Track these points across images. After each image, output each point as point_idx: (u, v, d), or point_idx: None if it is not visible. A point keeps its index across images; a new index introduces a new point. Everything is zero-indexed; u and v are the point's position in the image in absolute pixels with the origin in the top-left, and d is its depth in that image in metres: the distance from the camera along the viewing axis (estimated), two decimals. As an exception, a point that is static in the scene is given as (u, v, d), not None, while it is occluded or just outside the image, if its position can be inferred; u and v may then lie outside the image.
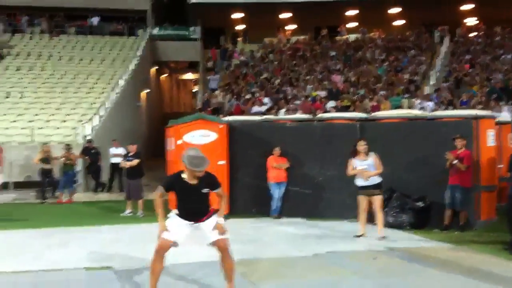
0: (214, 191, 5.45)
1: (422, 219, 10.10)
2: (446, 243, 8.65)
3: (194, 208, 5.43)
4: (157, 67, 29.95)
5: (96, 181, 16.38)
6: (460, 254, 7.84)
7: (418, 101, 16.77)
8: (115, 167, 15.93)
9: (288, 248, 8.28)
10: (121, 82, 21.84)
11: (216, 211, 5.53)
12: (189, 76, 37.36)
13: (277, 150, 11.18)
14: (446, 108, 16.05)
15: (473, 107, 14.95)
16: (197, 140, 11.35)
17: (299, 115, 13.41)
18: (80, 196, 15.34)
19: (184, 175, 5.36)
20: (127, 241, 8.81)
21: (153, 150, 25.44)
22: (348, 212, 10.96)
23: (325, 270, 6.86)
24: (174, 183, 5.43)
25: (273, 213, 11.28)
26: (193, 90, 44.96)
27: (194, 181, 5.32)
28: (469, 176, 9.64)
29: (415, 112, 11.68)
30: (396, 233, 9.59)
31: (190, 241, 5.58)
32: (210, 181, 5.39)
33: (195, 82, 36.18)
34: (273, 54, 25.72)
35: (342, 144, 11.02)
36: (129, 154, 12.27)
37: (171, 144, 12.02)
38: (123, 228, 10.24)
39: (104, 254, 7.76)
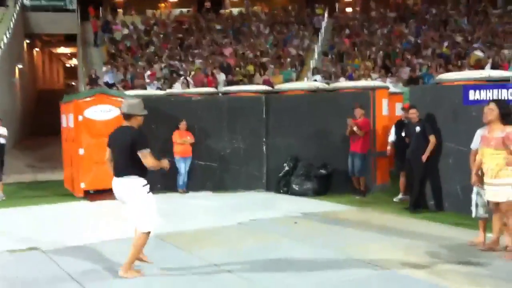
0: None
1: (325, 186, 10.68)
2: (353, 206, 9.28)
3: None
4: (29, 41, 27.81)
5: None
6: (368, 215, 8.46)
7: (309, 74, 17.46)
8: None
9: (209, 219, 8.33)
10: (-5, 57, 19.98)
11: None
12: (65, 50, 35.21)
13: (183, 124, 11.10)
14: (330, 81, 16.79)
15: (358, 79, 15.90)
16: (99, 116, 10.87)
17: (204, 89, 13.32)
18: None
19: None
20: None
21: (30, 128, 23.89)
22: (255, 183, 11.31)
23: (256, 236, 7.03)
24: None
25: (180, 188, 11.24)
26: (68, 65, 42.60)
27: None
28: (366, 144, 10.29)
29: (317, 84, 12.20)
30: (304, 200, 10.10)
31: None
32: None
33: (73, 56, 34.25)
34: (157, 27, 25.09)
35: (248, 116, 11.28)
36: None
37: (68, 120, 11.36)
38: None
39: None
